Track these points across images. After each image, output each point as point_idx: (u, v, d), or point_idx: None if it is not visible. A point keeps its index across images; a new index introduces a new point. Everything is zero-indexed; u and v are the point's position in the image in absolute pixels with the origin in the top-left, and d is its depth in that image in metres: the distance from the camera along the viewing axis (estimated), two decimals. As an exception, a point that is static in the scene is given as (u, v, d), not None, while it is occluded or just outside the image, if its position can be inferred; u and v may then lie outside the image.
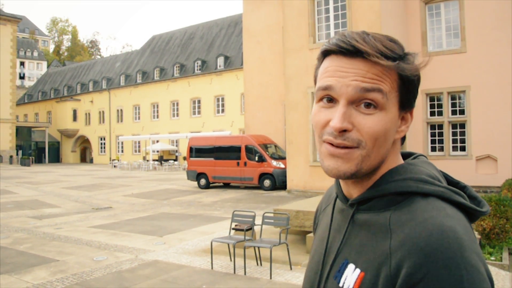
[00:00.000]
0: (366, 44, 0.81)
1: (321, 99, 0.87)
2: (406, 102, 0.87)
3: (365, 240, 0.83)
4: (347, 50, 0.82)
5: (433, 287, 0.69)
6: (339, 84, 0.82)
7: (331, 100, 0.85)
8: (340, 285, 0.84)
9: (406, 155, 0.97)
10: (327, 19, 16.24)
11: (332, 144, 0.83)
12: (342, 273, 0.85)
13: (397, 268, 0.73)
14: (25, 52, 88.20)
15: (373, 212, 0.85)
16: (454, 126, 16.84)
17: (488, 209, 0.85)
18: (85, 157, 60.08)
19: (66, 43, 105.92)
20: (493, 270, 6.51)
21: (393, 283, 0.74)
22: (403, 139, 0.92)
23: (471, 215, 0.83)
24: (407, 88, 0.85)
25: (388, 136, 0.84)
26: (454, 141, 16.85)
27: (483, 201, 0.87)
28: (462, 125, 16.60)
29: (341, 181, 0.94)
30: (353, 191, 0.90)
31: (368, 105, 0.82)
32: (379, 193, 0.84)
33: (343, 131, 0.81)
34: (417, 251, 0.72)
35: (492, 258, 7.07)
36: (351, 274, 0.82)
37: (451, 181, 0.91)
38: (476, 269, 0.70)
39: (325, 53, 0.88)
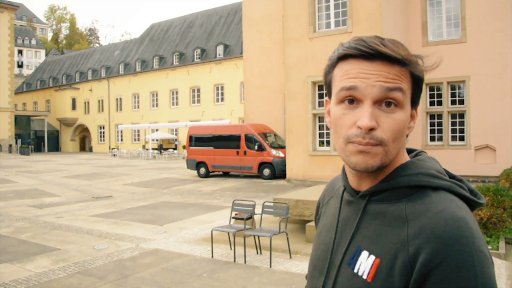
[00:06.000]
0: (386, 48, 0.87)
1: (342, 101, 0.91)
2: (416, 100, 0.94)
3: (380, 229, 0.89)
4: (369, 54, 0.88)
5: (450, 271, 0.76)
6: (364, 84, 0.88)
7: (353, 101, 0.90)
8: (355, 271, 0.90)
9: (408, 151, 1.02)
10: (327, 8, 16.17)
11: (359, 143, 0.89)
12: (356, 260, 0.91)
13: (415, 254, 0.80)
14: (23, 40, 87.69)
15: (386, 203, 0.91)
16: (453, 116, 16.87)
17: (485, 201, 0.93)
18: (84, 146, 60.06)
19: (65, 31, 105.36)
20: (490, 259, 6.60)
21: (411, 268, 0.80)
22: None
23: (470, 206, 0.90)
24: (418, 87, 0.93)
25: (404, 132, 0.91)
26: (453, 131, 16.88)
27: (479, 193, 0.94)
28: (462, 115, 16.63)
29: (350, 175, 0.99)
30: (364, 184, 0.96)
31: (389, 104, 0.88)
32: (393, 186, 0.91)
33: (370, 130, 0.87)
34: (434, 239, 0.79)
35: (489, 247, 7.15)
36: (366, 260, 0.88)
37: (449, 175, 0.97)
38: (484, 254, 0.79)
39: (341, 58, 0.93)
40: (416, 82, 0.92)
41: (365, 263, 0.88)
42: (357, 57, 0.89)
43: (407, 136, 0.98)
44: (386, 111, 0.88)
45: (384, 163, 0.89)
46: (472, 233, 0.79)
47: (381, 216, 0.90)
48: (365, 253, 0.89)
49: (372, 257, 0.87)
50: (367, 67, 0.88)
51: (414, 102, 0.94)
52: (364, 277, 0.87)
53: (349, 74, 0.90)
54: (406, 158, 0.97)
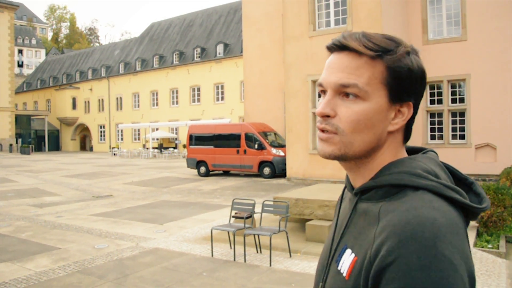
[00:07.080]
0: (350, 39, 0.89)
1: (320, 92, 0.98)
2: (398, 94, 0.90)
3: (361, 227, 0.89)
4: (336, 46, 0.92)
5: (402, 270, 0.73)
6: (325, 82, 0.92)
7: (325, 92, 0.94)
8: (339, 268, 0.90)
9: (418, 150, 0.99)
10: (327, 6, 16.14)
11: (322, 130, 0.92)
12: (341, 258, 0.91)
13: (376, 251, 0.78)
14: (23, 40, 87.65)
15: (371, 201, 0.90)
16: (453, 114, 16.85)
17: (486, 205, 0.87)
18: (84, 145, 60.07)
19: (65, 31, 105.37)
20: (490, 258, 6.59)
21: (371, 265, 0.79)
22: (408, 133, 0.95)
23: (470, 211, 0.85)
24: (397, 81, 0.89)
25: (370, 124, 0.89)
26: (454, 129, 16.86)
27: (486, 197, 0.89)
28: (462, 114, 16.60)
29: (348, 172, 0.99)
30: (357, 182, 0.96)
31: (347, 95, 0.89)
32: (376, 184, 0.89)
33: (326, 117, 0.91)
34: (393, 236, 0.76)
35: (490, 246, 7.14)
36: (347, 258, 0.88)
37: (459, 177, 0.94)
38: (447, 260, 0.73)
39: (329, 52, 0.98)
40: (392, 74, 0.88)
41: (346, 261, 0.88)
42: (332, 50, 0.94)
43: (408, 135, 0.96)
44: (347, 101, 0.90)
45: (345, 154, 0.91)
46: (436, 235, 0.74)
47: (365, 214, 0.90)
48: (348, 251, 0.89)
49: (353, 255, 0.87)
50: (334, 60, 0.92)
51: (396, 96, 0.90)
52: (344, 274, 0.87)
53: (324, 69, 0.95)
54: (400, 156, 0.94)
